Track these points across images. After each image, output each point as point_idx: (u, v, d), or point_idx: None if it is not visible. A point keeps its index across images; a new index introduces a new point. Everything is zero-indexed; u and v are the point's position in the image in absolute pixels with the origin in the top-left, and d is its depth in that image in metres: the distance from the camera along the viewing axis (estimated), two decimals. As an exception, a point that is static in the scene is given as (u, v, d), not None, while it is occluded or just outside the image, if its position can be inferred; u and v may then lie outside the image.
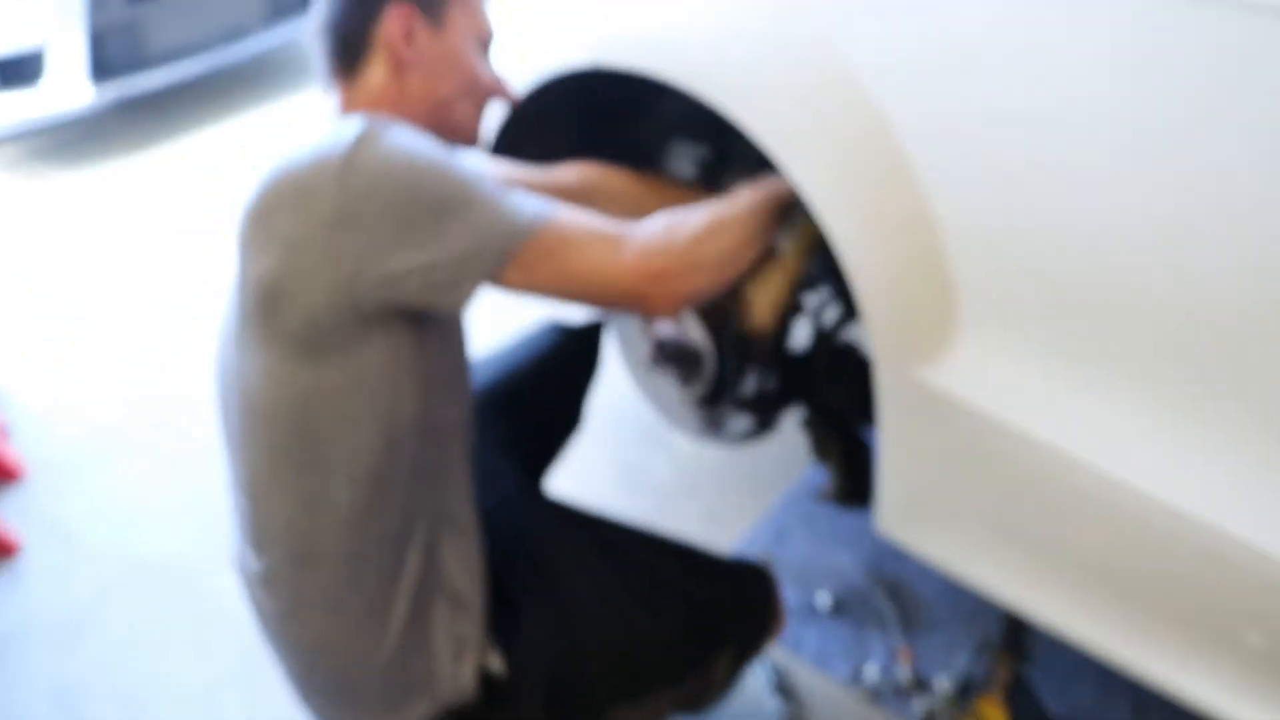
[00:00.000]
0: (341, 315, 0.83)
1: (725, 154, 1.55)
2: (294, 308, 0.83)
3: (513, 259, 0.87)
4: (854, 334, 1.44)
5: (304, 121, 3.71)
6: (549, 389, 1.33)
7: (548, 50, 1.27)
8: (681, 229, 0.95)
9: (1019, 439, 0.99)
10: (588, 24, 1.21)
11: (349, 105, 0.99)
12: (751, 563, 1.21)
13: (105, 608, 1.69)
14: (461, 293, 0.86)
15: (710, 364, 1.38)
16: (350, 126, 0.84)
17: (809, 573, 1.66)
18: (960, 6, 0.91)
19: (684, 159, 1.61)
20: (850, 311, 1.39)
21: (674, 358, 1.42)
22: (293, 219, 0.81)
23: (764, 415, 1.39)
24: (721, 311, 1.34)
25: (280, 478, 0.91)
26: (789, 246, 1.14)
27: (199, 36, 3.50)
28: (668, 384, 1.54)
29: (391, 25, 0.98)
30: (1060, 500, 0.98)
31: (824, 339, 1.41)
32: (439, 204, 0.83)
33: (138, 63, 3.32)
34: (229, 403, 0.95)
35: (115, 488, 1.97)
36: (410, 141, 0.85)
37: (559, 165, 1.30)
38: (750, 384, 1.36)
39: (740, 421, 1.46)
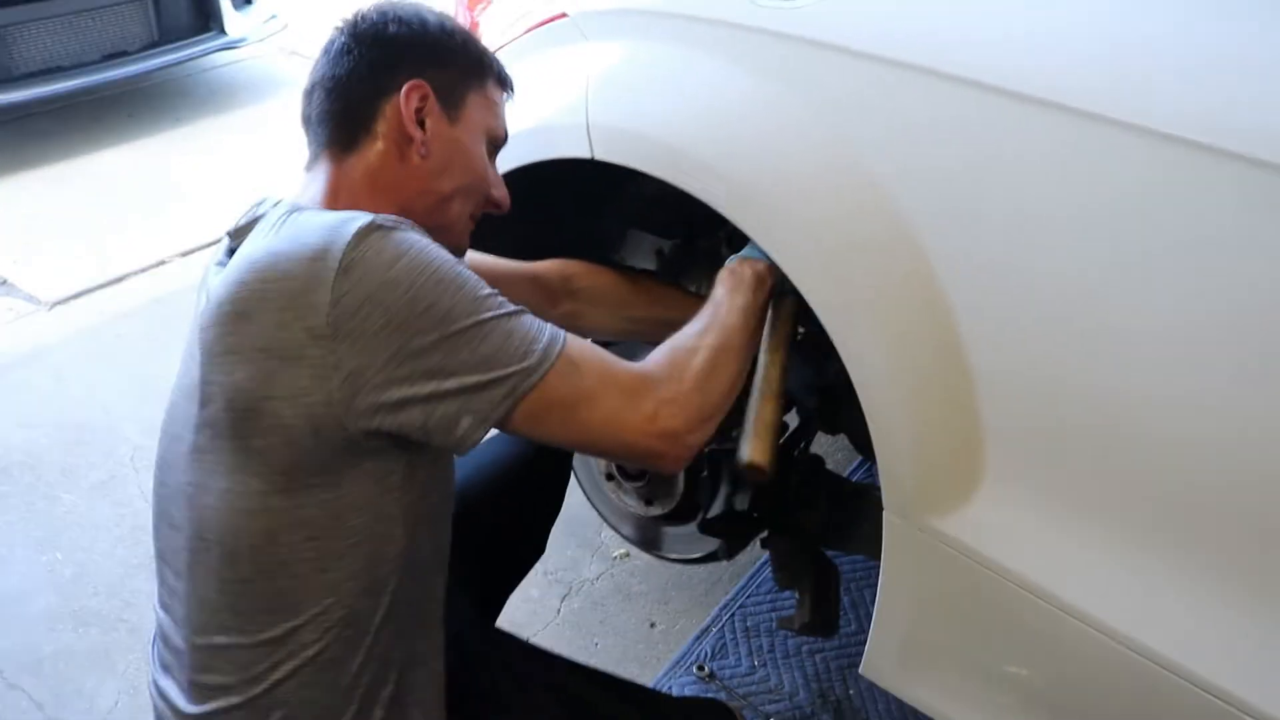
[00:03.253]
0: (327, 442, 0.74)
1: (690, 245, 1.46)
2: (271, 429, 0.74)
3: (523, 401, 0.78)
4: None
5: (185, 156, 3.45)
6: (510, 513, 1.21)
7: (530, 131, 1.16)
8: (688, 373, 0.86)
9: (1038, 598, 0.93)
10: (590, 108, 1.11)
11: (337, 182, 0.88)
12: (715, 704, 1.11)
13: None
14: (464, 433, 0.77)
15: (679, 485, 1.29)
16: (350, 221, 0.74)
17: (752, 693, 1.56)
18: (1010, 160, 0.86)
19: (642, 250, 1.52)
20: (824, 423, 1.31)
21: (638, 475, 1.32)
22: (276, 326, 0.72)
23: (734, 540, 1.29)
24: None
25: (237, 618, 0.79)
26: (767, 357, 1.04)
27: (72, 55, 3.24)
28: (625, 499, 1.43)
29: (405, 102, 0.88)
30: (1080, 663, 0.93)
31: (795, 457, 1.33)
32: (448, 327, 0.74)
33: (2, 77, 3.02)
34: (174, 520, 0.83)
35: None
36: (420, 246, 0.76)
37: (542, 261, 1.21)
38: (719, 506, 1.25)
39: (702, 545, 1.36)
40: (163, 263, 2.82)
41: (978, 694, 1.01)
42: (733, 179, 1.00)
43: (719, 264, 1.39)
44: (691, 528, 1.43)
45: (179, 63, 3.68)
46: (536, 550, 1.29)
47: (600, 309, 1.17)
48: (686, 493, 1.34)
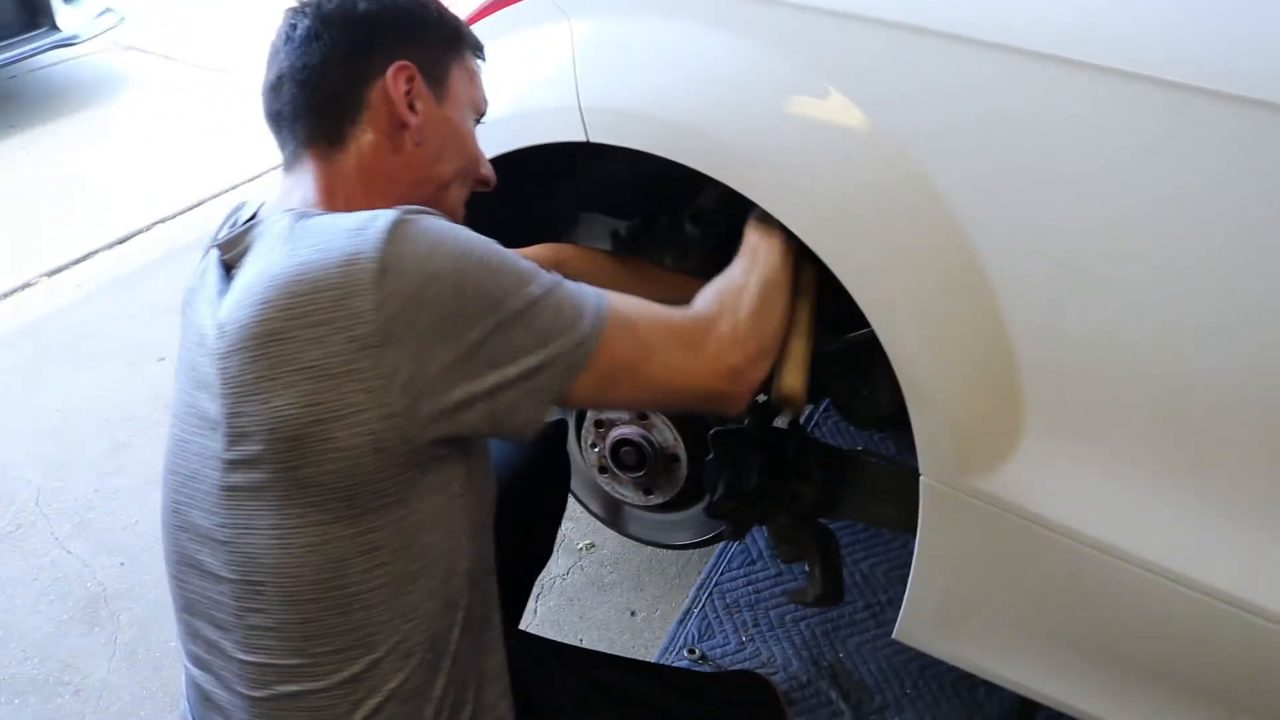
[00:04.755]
0: (391, 459, 0.71)
1: (649, 225, 1.43)
2: (325, 455, 0.69)
3: (584, 369, 0.76)
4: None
5: (22, 167, 3.14)
6: (516, 519, 1.15)
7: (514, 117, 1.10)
8: (741, 309, 0.87)
9: (1085, 546, 0.95)
10: (581, 89, 1.06)
11: (329, 181, 0.83)
12: (749, 676, 1.10)
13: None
14: (531, 417, 0.76)
15: (681, 471, 1.26)
16: (375, 218, 0.70)
17: (746, 668, 1.55)
18: (1034, 116, 0.86)
19: (595, 232, 1.48)
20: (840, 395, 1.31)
21: (636, 465, 1.28)
22: (316, 343, 0.67)
23: (741, 520, 1.27)
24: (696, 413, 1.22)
25: (305, 662, 0.73)
26: (800, 304, 1.05)
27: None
28: (622, 490, 1.40)
29: (393, 86, 0.83)
30: (1133, 606, 0.95)
31: (785, 430, 1.32)
32: (501, 312, 0.72)
33: None
34: (207, 568, 0.76)
35: None
36: (452, 231, 0.72)
37: (530, 246, 1.17)
38: (723, 484, 1.24)
39: (708, 529, 1.34)
40: (29, 285, 2.55)
41: (1026, 647, 1.04)
42: (747, 152, 0.97)
43: (683, 242, 1.38)
44: (693, 513, 1.41)
45: (7, 63, 3.34)
46: (546, 553, 1.25)
47: None
48: (690, 477, 1.31)
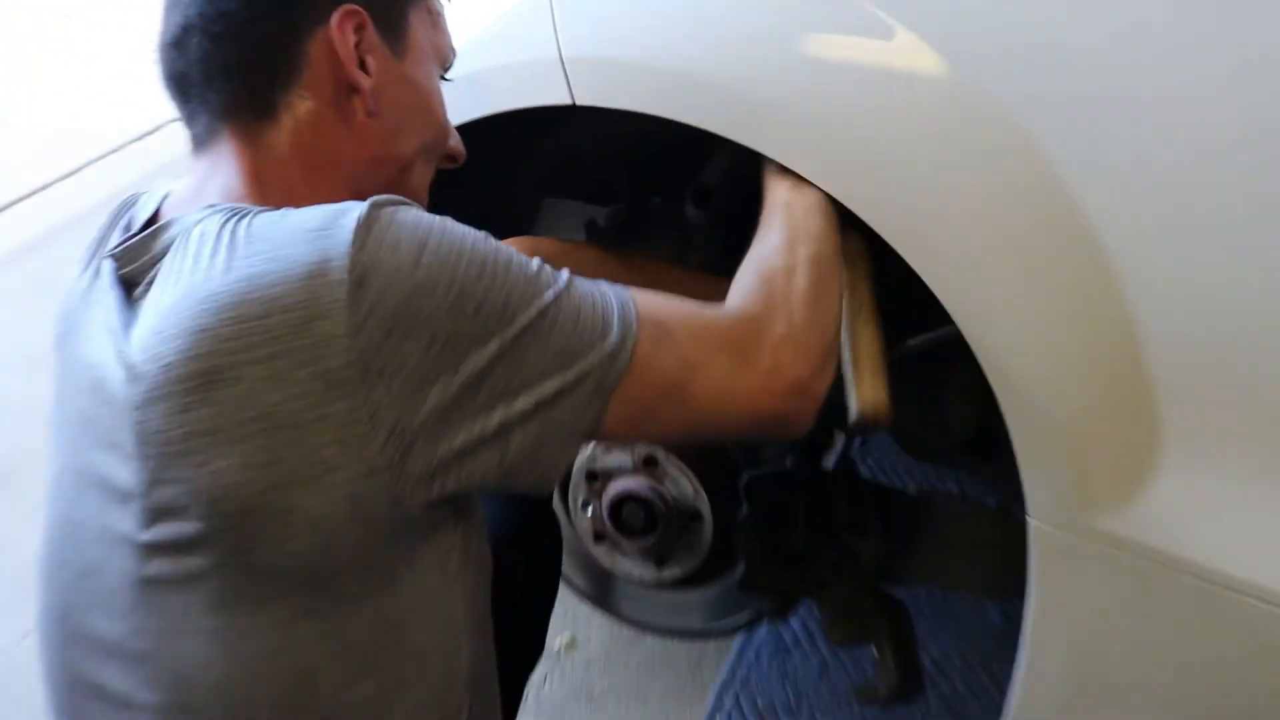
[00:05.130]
0: (374, 530, 0.71)
1: (637, 210, 1.48)
2: (289, 531, 0.69)
3: (615, 394, 0.78)
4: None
5: None
6: (503, 613, 1.17)
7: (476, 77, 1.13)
8: (794, 300, 0.89)
9: (1245, 595, 0.99)
10: (563, 38, 1.09)
11: (257, 166, 0.84)
12: None
13: None
14: (553, 460, 0.77)
15: (705, 533, 1.30)
16: (341, 214, 0.70)
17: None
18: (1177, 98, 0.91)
19: (564, 221, 1.53)
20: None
21: (645, 529, 1.32)
22: (274, 382, 0.67)
23: (786, 590, 1.31)
24: (719, 454, 1.26)
25: None
26: (854, 280, 1.07)
27: None
28: (625, 564, 1.42)
29: (339, 38, 0.84)
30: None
31: (832, 471, 1.37)
32: (509, 327, 0.73)
33: None
34: (112, 692, 0.76)
35: None
36: (439, 224, 0.74)
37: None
38: (763, 546, 1.28)
39: (741, 608, 1.38)
40: None
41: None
42: (790, 114, 1.01)
43: (684, 229, 1.42)
44: (721, 587, 1.45)
45: None
46: (537, 649, 1.28)
47: None
48: (716, 540, 1.34)
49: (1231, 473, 0.98)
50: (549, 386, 0.74)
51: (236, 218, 0.75)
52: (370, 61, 0.86)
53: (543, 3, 1.09)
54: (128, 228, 0.85)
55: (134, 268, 0.79)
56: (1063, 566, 1.06)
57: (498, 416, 0.73)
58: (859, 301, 1.03)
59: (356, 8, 0.85)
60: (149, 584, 0.72)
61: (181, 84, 0.86)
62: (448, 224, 0.75)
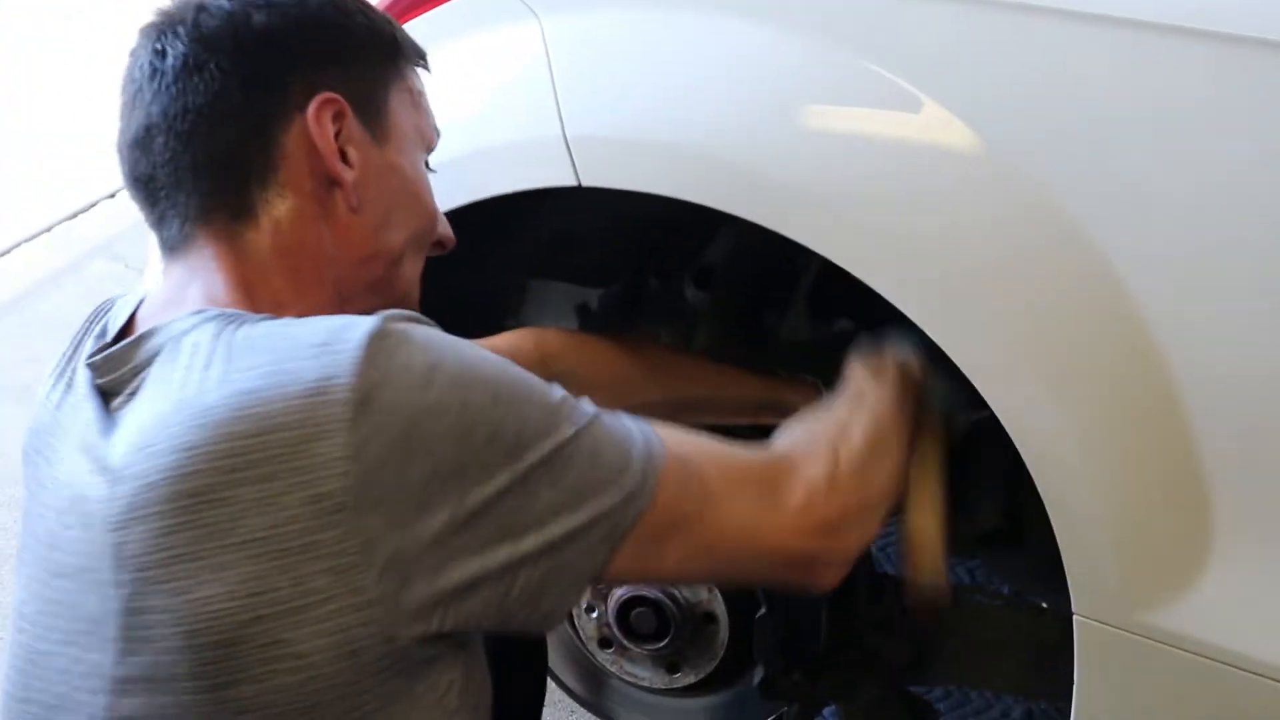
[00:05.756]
0: (365, 666, 0.68)
1: (635, 292, 1.44)
2: (273, 666, 0.66)
3: (628, 537, 0.75)
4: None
5: None
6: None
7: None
8: (841, 449, 0.88)
9: None
10: (566, 115, 1.07)
11: (240, 269, 0.81)
12: None
13: None
14: (556, 605, 0.75)
15: (723, 631, 1.25)
16: (347, 328, 0.69)
17: None
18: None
19: (552, 305, 1.49)
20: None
21: (657, 633, 1.27)
22: (263, 506, 0.65)
23: (810, 697, 1.27)
24: None
25: None
26: (924, 448, 1.07)
27: None
28: (634, 670, 1.38)
29: (316, 128, 0.81)
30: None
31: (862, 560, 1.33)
32: (520, 460, 0.70)
33: None
34: None
35: None
36: (454, 346, 0.72)
37: (499, 335, 1.19)
38: (783, 650, 1.24)
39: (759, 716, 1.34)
40: None
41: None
42: (815, 193, 0.99)
43: (686, 312, 1.39)
44: (736, 694, 1.41)
45: None
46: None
47: (598, 398, 1.10)
48: (732, 644, 1.31)
49: None
50: (558, 528, 0.72)
51: (232, 326, 0.72)
52: (351, 152, 0.83)
53: (542, 77, 1.07)
54: (102, 335, 0.83)
55: (113, 378, 0.76)
56: (1109, 662, 1.03)
57: (502, 555, 0.70)
58: (925, 479, 1.05)
59: (333, 95, 0.83)
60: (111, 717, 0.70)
61: (149, 186, 0.83)
62: (464, 346, 0.73)
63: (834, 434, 0.89)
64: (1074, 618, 1.02)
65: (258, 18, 0.82)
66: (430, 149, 0.95)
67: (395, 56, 0.91)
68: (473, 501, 0.68)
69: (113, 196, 3.32)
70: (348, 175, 0.83)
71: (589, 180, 1.05)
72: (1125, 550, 0.98)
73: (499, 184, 1.10)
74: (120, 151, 0.84)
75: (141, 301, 0.85)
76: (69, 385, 0.80)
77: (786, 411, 1.22)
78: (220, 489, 0.65)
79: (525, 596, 0.72)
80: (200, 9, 0.82)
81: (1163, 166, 0.89)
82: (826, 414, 0.94)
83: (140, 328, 0.80)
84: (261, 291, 0.80)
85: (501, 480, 0.69)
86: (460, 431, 0.68)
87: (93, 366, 0.78)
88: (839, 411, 0.94)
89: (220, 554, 0.65)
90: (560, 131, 1.05)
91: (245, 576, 0.65)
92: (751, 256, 1.33)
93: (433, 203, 0.93)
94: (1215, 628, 0.98)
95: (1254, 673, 0.96)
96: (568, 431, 0.73)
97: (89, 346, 0.81)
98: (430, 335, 0.71)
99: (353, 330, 0.68)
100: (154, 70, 0.81)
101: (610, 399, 1.12)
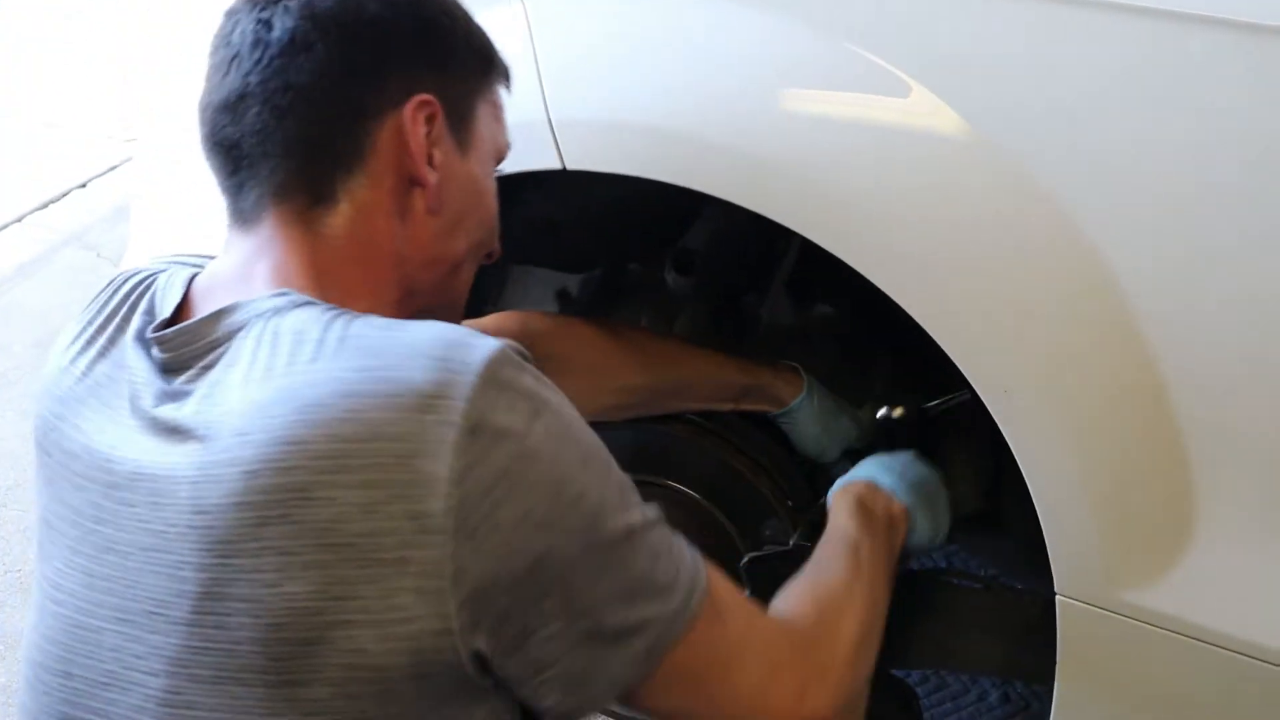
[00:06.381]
0: (434, 687, 0.69)
1: (615, 278, 1.45)
2: (343, 670, 0.66)
3: (663, 660, 0.74)
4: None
5: None
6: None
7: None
8: (841, 635, 0.91)
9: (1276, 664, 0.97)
10: (550, 99, 1.06)
11: (315, 254, 0.80)
12: None
13: None
14: (587, 699, 0.74)
15: None
16: (466, 347, 0.68)
17: None
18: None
19: (531, 291, 1.50)
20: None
21: None
22: (362, 511, 0.65)
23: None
24: (718, 534, 1.25)
25: None
26: None
27: None
28: None
29: (411, 128, 0.80)
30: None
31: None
32: (597, 532, 0.71)
33: None
34: None
35: None
36: (555, 398, 0.72)
37: (485, 317, 1.18)
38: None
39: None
40: None
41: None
42: (803, 180, 0.99)
43: (667, 296, 1.39)
44: None
45: None
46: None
47: (582, 380, 1.10)
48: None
49: (1266, 543, 0.97)
50: (611, 622, 0.71)
51: (342, 319, 0.71)
52: (437, 155, 0.82)
53: (526, 60, 1.06)
54: (150, 309, 0.81)
55: (182, 353, 0.75)
56: (1092, 642, 1.04)
57: (555, 625, 0.70)
58: None
59: (430, 97, 0.82)
60: (182, 708, 0.69)
61: (231, 153, 0.81)
62: (563, 401, 0.73)
63: (835, 617, 0.91)
64: (1056, 598, 1.02)
65: (371, 7, 0.81)
66: (501, 160, 0.95)
67: (489, 71, 0.90)
68: (552, 559, 0.68)
69: (84, 186, 3.27)
70: (432, 178, 0.82)
71: (573, 163, 1.05)
72: (1108, 530, 0.99)
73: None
74: (204, 112, 0.82)
75: (193, 276, 0.83)
76: (102, 353, 0.79)
77: (768, 396, 1.23)
78: (322, 488, 0.65)
79: (558, 681, 0.71)
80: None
81: (1136, 142, 0.89)
82: (830, 585, 0.95)
83: (205, 300, 0.79)
84: (332, 279, 0.79)
85: (577, 545, 0.69)
86: (551, 484, 0.68)
87: (161, 341, 0.76)
88: (840, 581, 0.96)
89: (314, 552, 0.65)
90: (545, 115, 1.05)
91: (335, 579, 0.65)
92: (732, 242, 1.33)
93: (495, 215, 0.93)
94: (1198, 607, 0.99)
95: (1236, 651, 0.97)
96: (638, 519, 0.73)
97: (136, 322, 0.79)
98: (539, 378, 0.71)
99: (473, 351, 0.68)
100: (257, 40, 0.79)
101: (594, 382, 1.13)
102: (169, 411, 0.72)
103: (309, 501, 0.65)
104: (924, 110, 0.94)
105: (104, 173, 3.34)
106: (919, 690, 1.77)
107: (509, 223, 1.33)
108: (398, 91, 0.81)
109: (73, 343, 0.82)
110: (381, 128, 0.80)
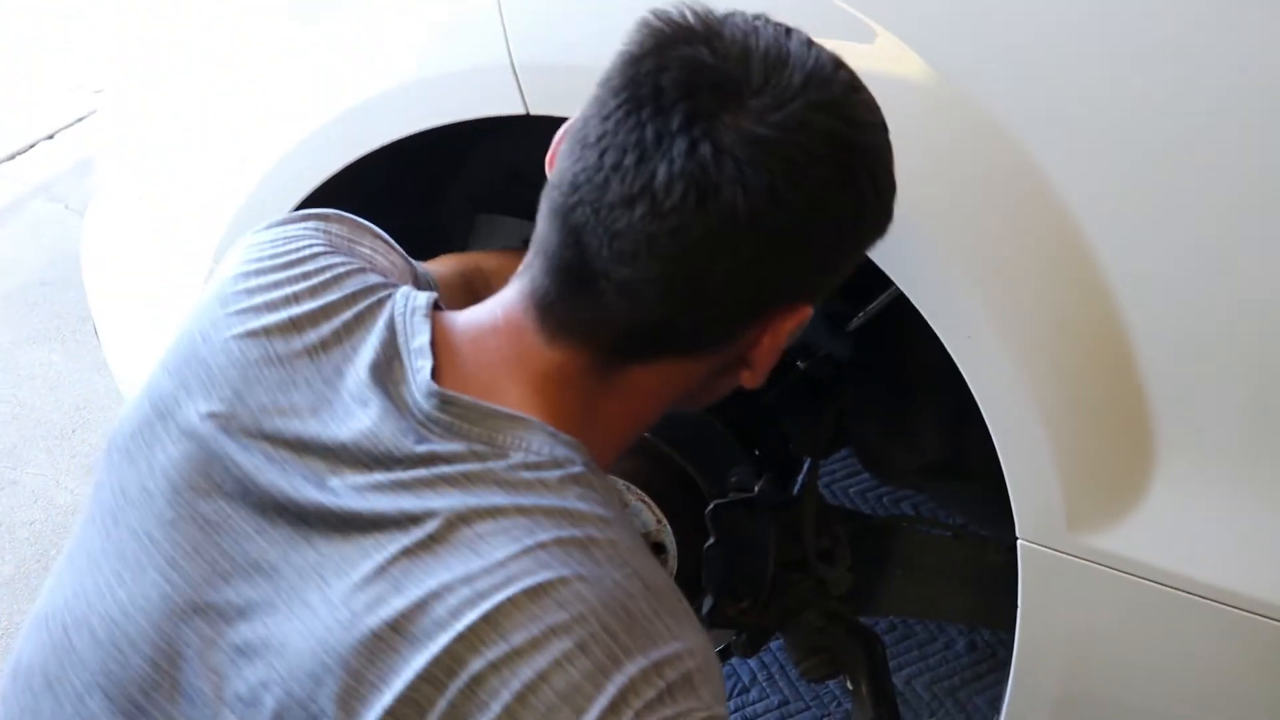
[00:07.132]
0: None
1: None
2: None
3: None
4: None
5: None
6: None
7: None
8: None
9: (1245, 611, 0.98)
10: (513, 41, 1.04)
11: (590, 401, 0.75)
12: None
13: None
14: None
15: (671, 561, 1.26)
16: (697, 631, 0.67)
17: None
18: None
19: (499, 238, 1.49)
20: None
21: None
22: None
23: (758, 624, 1.28)
24: (683, 482, 1.23)
25: None
26: None
27: None
28: None
29: (778, 338, 0.76)
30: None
31: (799, 495, 1.34)
32: None
33: None
34: None
35: None
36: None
37: (439, 259, 1.14)
38: (732, 578, 1.25)
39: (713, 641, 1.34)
40: None
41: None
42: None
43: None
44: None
45: None
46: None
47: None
48: (680, 574, 1.31)
49: (1225, 486, 0.98)
50: None
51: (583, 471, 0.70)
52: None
53: (489, 2, 1.04)
54: (410, 349, 0.74)
55: (447, 428, 0.70)
56: (1053, 586, 1.05)
57: None
58: None
59: (809, 307, 0.76)
60: None
61: (585, 271, 0.70)
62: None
63: None
64: (1018, 543, 1.03)
65: (838, 197, 0.71)
66: None
67: (869, 246, 0.81)
68: None
69: (51, 138, 3.25)
70: (761, 372, 0.79)
71: (537, 109, 1.04)
72: (1068, 473, 0.99)
73: (446, 113, 1.08)
74: (572, 191, 0.70)
75: (433, 337, 0.75)
76: (312, 353, 0.74)
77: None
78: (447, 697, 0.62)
79: None
80: (757, 114, 0.67)
81: (1105, 88, 0.90)
82: None
83: (472, 362, 0.74)
84: (595, 429, 0.75)
85: None
86: None
87: (445, 402, 0.70)
88: None
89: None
90: (508, 58, 1.03)
91: None
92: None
93: None
94: (1158, 550, 1.00)
95: (1196, 595, 0.98)
96: None
97: (374, 341, 0.74)
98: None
99: (694, 657, 0.65)
100: (689, 183, 0.67)
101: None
102: (380, 484, 0.69)
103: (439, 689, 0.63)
104: (890, 56, 0.94)
105: (71, 124, 3.31)
106: (886, 638, 1.80)
107: (472, 169, 1.33)
108: (786, 295, 0.75)
109: (270, 308, 0.76)
110: (757, 325, 0.75)
